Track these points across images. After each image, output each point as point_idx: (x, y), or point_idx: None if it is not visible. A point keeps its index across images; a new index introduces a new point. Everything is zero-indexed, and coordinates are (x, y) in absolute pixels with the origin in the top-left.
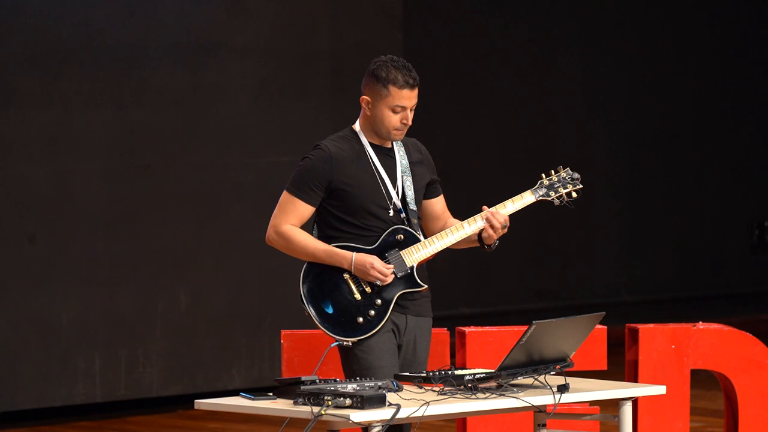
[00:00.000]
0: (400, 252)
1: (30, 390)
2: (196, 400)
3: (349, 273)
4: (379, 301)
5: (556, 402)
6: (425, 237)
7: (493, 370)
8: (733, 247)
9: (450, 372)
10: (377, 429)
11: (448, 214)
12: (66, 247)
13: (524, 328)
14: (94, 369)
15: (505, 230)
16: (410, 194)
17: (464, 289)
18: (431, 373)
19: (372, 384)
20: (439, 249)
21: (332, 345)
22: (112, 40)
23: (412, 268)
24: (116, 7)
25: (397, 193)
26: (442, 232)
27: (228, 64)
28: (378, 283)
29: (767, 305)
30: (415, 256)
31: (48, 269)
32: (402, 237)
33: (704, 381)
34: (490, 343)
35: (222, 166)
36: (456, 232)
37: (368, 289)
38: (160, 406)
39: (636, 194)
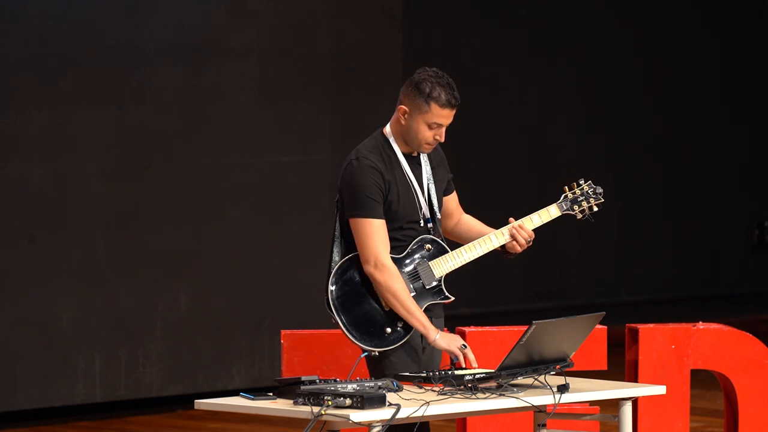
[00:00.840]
0: (429, 263)
1: (30, 390)
2: (196, 400)
3: None
4: None
5: (556, 402)
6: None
7: (493, 370)
8: (732, 247)
9: (450, 372)
10: (377, 429)
11: (460, 210)
12: (66, 247)
13: (524, 328)
14: (94, 369)
15: (530, 244)
16: (435, 203)
17: (464, 289)
18: (431, 373)
19: (372, 384)
20: (468, 261)
21: (362, 356)
22: (112, 40)
23: (440, 279)
24: (116, 7)
25: (426, 203)
26: (470, 245)
27: (228, 64)
28: (458, 357)
29: (767, 305)
30: (443, 267)
31: (48, 269)
32: (430, 247)
33: (704, 381)
34: (490, 343)
35: (222, 166)
36: (484, 245)
37: None
38: (160, 406)
39: (636, 194)
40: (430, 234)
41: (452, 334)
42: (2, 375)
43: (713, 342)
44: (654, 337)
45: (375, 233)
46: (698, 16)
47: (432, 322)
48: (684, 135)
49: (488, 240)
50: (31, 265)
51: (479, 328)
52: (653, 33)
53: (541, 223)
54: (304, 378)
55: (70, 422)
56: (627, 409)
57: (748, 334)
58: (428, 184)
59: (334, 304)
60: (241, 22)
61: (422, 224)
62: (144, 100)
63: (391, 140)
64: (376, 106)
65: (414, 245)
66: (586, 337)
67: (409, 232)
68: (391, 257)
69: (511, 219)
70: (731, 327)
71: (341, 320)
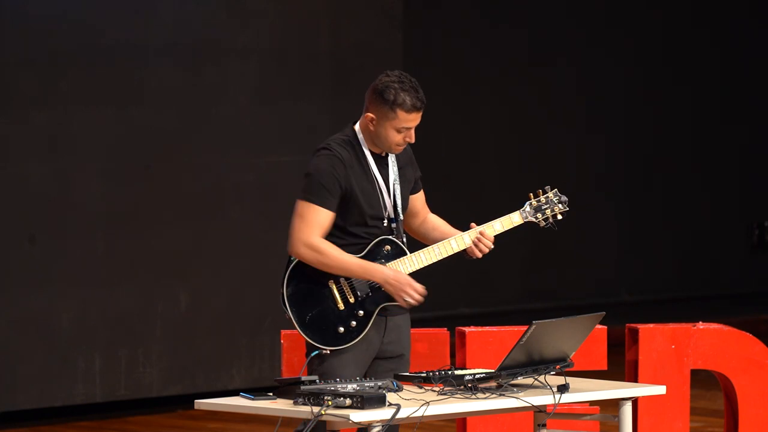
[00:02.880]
0: (387, 264)
1: (30, 390)
2: (196, 400)
3: (335, 281)
4: (361, 312)
5: (556, 402)
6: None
7: (493, 370)
8: (733, 247)
9: (450, 372)
10: (377, 429)
11: (426, 210)
12: (66, 247)
13: (524, 328)
14: (94, 369)
15: (490, 248)
16: (400, 203)
17: (464, 289)
18: (431, 373)
19: (372, 384)
20: (426, 265)
21: (313, 354)
22: (112, 40)
23: None
24: (116, 7)
25: (391, 202)
26: (430, 248)
27: (228, 64)
28: (409, 301)
29: (767, 305)
30: (401, 269)
31: (48, 269)
32: (389, 248)
33: (704, 381)
34: (490, 343)
35: (222, 166)
36: (443, 249)
37: (351, 299)
38: (160, 406)
39: (636, 194)
40: (392, 234)
41: (403, 278)
42: (2, 375)
43: (713, 342)
44: (654, 337)
45: (316, 219)
46: (698, 17)
47: (389, 321)
48: (684, 135)
49: (448, 244)
50: (31, 265)
51: (479, 328)
52: (653, 33)
53: (503, 230)
54: (304, 378)
55: (70, 422)
56: (627, 409)
57: (748, 334)
58: (394, 184)
59: (288, 302)
60: (241, 22)
61: (386, 224)
62: (144, 100)
63: (361, 138)
64: None
65: (373, 246)
66: (586, 337)
67: (373, 230)
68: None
69: (473, 224)
70: (731, 327)
71: (294, 318)
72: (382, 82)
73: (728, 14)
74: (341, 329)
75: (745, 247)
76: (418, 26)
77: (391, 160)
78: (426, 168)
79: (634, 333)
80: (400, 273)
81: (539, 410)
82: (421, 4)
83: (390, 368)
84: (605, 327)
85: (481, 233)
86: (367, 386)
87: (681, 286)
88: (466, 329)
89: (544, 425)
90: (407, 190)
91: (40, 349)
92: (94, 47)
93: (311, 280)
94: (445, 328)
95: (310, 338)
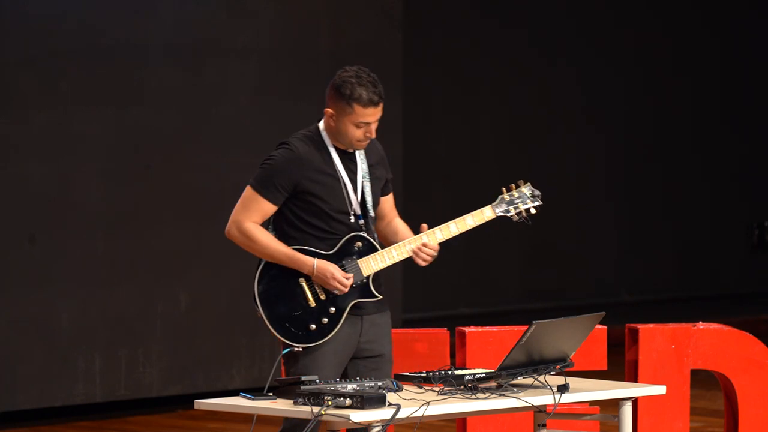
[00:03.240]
0: (357, 261)
1: (30, 390)
2: (196, 400)
3: (306, 278)
4: (332, 309)
5: (556, 402)
6: (378, 239)
7: (493, 370)
8: (733, 247)
9: (450, 372)
10: (377, 429)
11: (394, 213)
12: (66, 247)
13: (524, 328)
14: (94, 369)
15: (433, 256)
16: (369, 200)
17: (464, 289)
18: (431, 373)
19: (372, 384)
20: (396, 261)
21: (284, 351)
22: (112, 40)
23: (368, 278)
24: (116, 7)
25: (358, 198)
26: (401, 244)
27: (228, 64)
28: (336, 292)
29: (767, 305)
30: (371, 266)
31: (48, 269)
32: (360, 245)
33: (704, 381)
34: (490, 343)
35: (222, 166)
36: (414, 244)
37: (323, 296)
38: (160, 406)
39: (636, 194)
40: (361, 230)
41: (328, 268)
42: (2, 375)
43: (713, 342)
44: (654, 337)
45: (255, 207)
46: (698, 17)
47: (365, 319)
48: (684, 135)
49: (419, 240)
50: (31, 265)
51: (479, 328)
52: (653, 33)
53: (475, 225)
54: (304, 378)
55: (70, 422)
56: (627, 409)
57: (748, 334)
58: (362, 180)
59: (259, 298)
60: (241, 22)
61: (353, 219)
62: (144, 100)
63: (324, 136)
64: None
65: (344, 242)
66: (586, 337)
67: (337, 225)
68: (322, 254)
69: (424, 225)
70: (731, 327)
71: (266, 316)
72: (340, 77)
73: (729, 14)
74: (313, 326)
75: (745, 247)
76: (418, 26)
77: (360, 157)
78: (426, 168)
79: (634, 333)
80: (324, 263)
81: (539, 410)
82: (421, 4)
83: (370, 368)
84: (605, 327)
85: (420, 248)
86: (367, 386)
87: (681, 286)
88: (466, 329)
89: (544, 425)
90: (378, 188)
91: (40, 349)
92: (94, 47)
93: (282, 278)
94: (445, 328)
95: (282, 336)
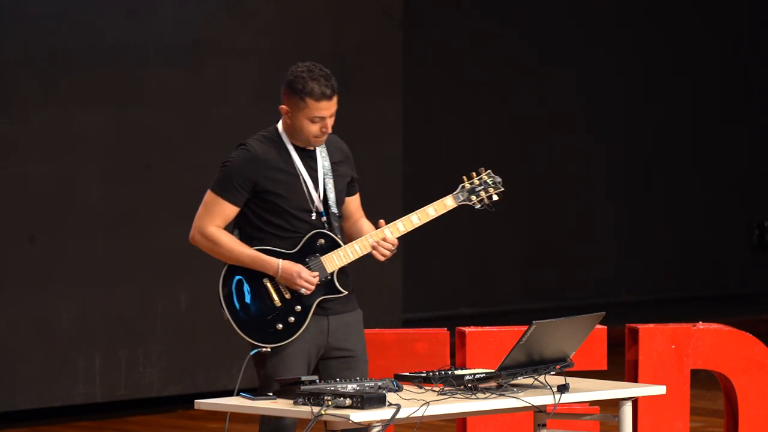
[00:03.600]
0: (321, 258)
1: (30, 390)
2: (196, 400)
3: (270, 278)
4: (298, 308)
5: (556, 402)
6: (345, 239)
7: (493, 370)
8: (733, 247)
9: (450, 372)
10: (377, 429)
11: (360, 213)
12: (66, 247)
13: (524, 328)
14: (94, 369)
15: (392, 250)
16: (332, 197)
17: (464, 289)
18: (431, 373)
19: (372, 384)
20: (359, 256)
21: (252, 352)
22: (112, 40)
23: (332, 274)
24: (116, 7)
25: (320, 196)
26: (363, 238)
27: (228, 64)
28: (303, 291)
29: (767, 305)
30: (335, 262)
31: (48, 269)
32: (323, 242)
33: (704, 381)
34: (490, 343)
35: None
36: (376, 238)
37: (288, 296)
38: (160, 406)
39: (636, 194)
40: (324, 227)
41: (293, 268)
42: (2, 375)
43: (713, 342)
44: (654, 337)
45: (216, 210)
46: (698, 17)
47: (332, 319)
48: (684, 135)
49: (381, 234)
50: (31, 265)
51: (479, 328)
52: (653, 33)
53: (436, 215)
54: (304, 378)
55: (70, 422)
56: (627, 409)
57: (748, 334)
58: (324, 178)
59: (224, 301)
60: (241, 22)
61: (314, 216)
62: (144, 100)
63: (282, 133)
64: (376, 106)
65: (307, 240)
66: (586, 337)
67: (299, 223)
68: (285, 253)
69: (381, 221)
70: (731, 327)
71: (232, 318)
72: (292, 73)
73: (729, 14)
74: (280, 326)
75: (745, 247)
76: (418, 26)
77: (321, 155)
78: (426, 168)
79: (634, 333)
80: (289, 264)
81: (539, 410)
82: (421, 4)
83: (342, 368)
84: (605, 327)
85: (379, 242)
86: (367, 386)
87: (681, 286)
88: (466, 329)
89: (544, 425)
90: (342, 185)
91: (40, 349)
92: (94, 47)
93: (247, 280)
94: (445, 328)
95: (249, 338)
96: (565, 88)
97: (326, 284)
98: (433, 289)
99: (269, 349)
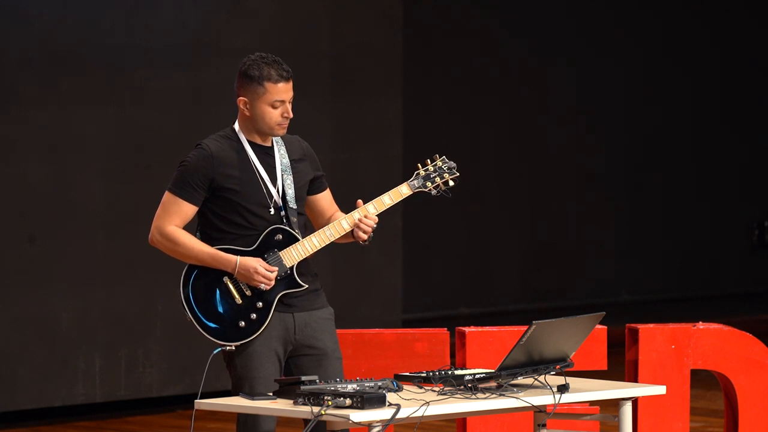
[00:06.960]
0: (279, 253)
1: (30, 390)
2: (196, 400)
3: (229, 276)
4: (260, 304)
5: (556, 402)
6: (307, 234)
7: (493, 370)
8: (733, 247)
9: (450, 372)
10: (377, 429)
11: (335, 207)
12: (66, 247)
13: (524, 328)
14: (94, 369)
15: (372, 227)
16: (290, 192)
17: (464, 289)
18: (431, 373)
19: (372, 384)
20: (318, 248)
21: (215, 351)
22: (112, 40)
23: (291, 268)
24: (116, 7)
25: (278, 191)
26: (320, 231)
27: (228, 64)
28: (262, 287)
29: (767, 305)
30: (293, 256)
31: (48, 269)
32: (281, 237)
33: (704, 381)
34: (490, 343)
35: None
36: (334, 230)
37: (248, 292)
38: (160, 406)
39: (636, 194)
40: (283, 223)
41: (250, 264)
42: (2, 375)
43: (713, 342)
44: (654, 337)
45: (174, 210)
46: (698, 17)
47: (297, 316)
48: (684, 135)
49: (338, 225)
50: (31, 265)
51: (479, 328)
52: (653, 34)
53: (392, 204)
54: (304, 378)
55: (70, 422)
56: (627, 409)
57: (748, 334)
58: (282, 174)
59: (185, 301)
60: (241, 22)
61: (273, 212)
62: (144, 100)
63: (240, 135)
64: (376, 106)
65: (264, 236)
66: (586, 337)
67: (257, 220)
68: (243, 251)
69: (360, 201)
70: (731, 327)
71: (194, 318)
72: (245, 63)
73: (728, 14)
74: (242, 323)
75: (745, 247)
76: (418, 26)
77: (279, 151)
78: None
79: (634, 333)
80: (247, 260)
81: (539, 410)
82: (421, 4)
83: (313, 365)
84: (605, 327)
85: (361, 219)
86: (367, 386)
87: (681, 286)
88: (466, 329)
89: (544, 425)
90: (302, 182)
91: (40, 349)
92: (94, 47)
93: (207, 279)
94: (445, 328)
95: (212, 337)
96: (565, 88)
97: (286, 279)
98: (433, 289)
99: (233, 348)
